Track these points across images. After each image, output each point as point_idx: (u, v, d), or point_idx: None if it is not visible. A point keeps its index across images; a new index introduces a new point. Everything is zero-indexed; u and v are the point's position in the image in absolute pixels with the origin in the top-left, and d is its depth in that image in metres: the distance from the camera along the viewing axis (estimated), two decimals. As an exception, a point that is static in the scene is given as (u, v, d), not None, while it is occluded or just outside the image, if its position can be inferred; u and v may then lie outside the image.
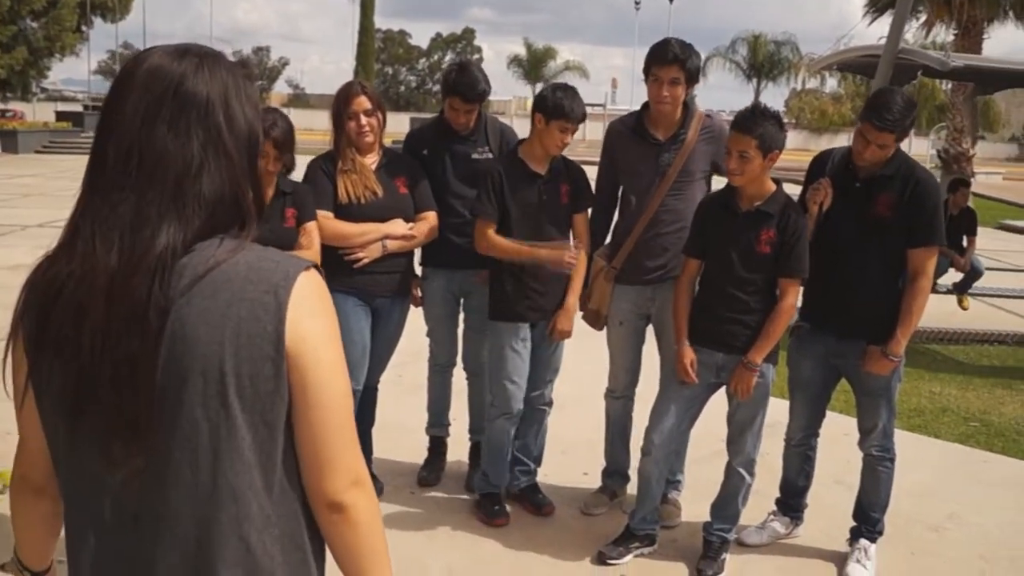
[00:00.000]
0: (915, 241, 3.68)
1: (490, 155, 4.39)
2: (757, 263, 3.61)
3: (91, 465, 1.33)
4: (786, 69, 37.93)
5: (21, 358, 1.37)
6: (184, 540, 1.33)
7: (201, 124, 1.34)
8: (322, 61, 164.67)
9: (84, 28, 39.67)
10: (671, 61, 3.87)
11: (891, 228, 3.68)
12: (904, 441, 5.62)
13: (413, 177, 4.28)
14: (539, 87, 47.66)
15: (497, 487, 4.34)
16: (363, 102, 4.09)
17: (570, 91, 4.00)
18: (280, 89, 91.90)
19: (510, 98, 68.87)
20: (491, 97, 4.43)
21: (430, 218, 4.27)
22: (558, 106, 3.90)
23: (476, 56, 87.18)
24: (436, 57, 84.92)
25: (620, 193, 4.27)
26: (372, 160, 4.21)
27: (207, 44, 1.43)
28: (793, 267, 3.61)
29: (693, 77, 3.94)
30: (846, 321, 3.80)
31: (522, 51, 47.97)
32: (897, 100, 3.60)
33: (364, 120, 4.09)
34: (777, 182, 3.69)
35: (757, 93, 40.40)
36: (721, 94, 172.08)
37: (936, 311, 9.10)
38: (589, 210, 4.23)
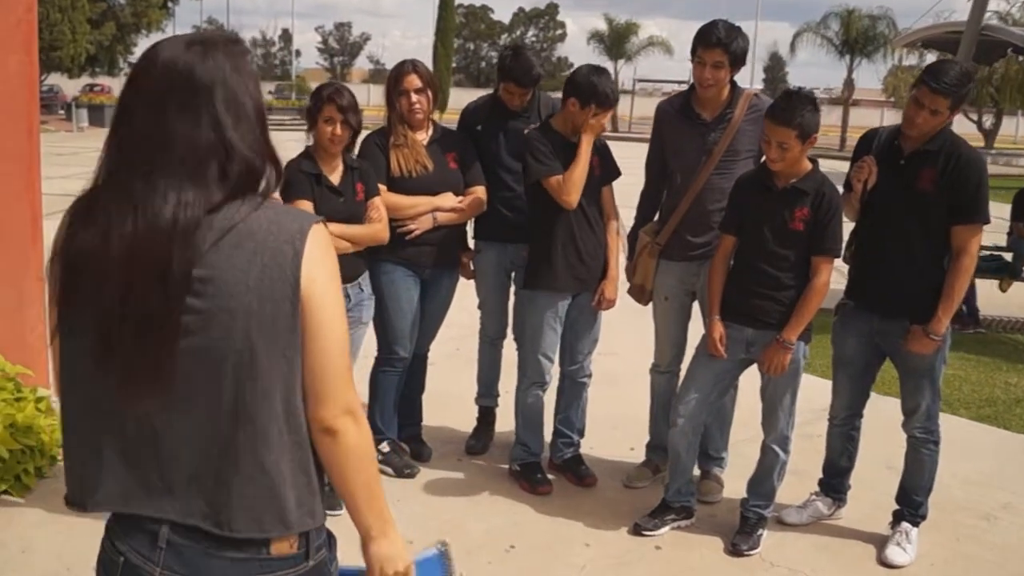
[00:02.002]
0: (958, 218, 3.74)
1: None
2: (790, 240, 3.72)
3: (111, 403, 1.56)
4: (882, 45, 36.94)
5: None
6: (203, 454, 1.56)
7: (207, 106, 1.56)
8: (404, 36, 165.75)
9: (170, 4, 40.91)
10: (714, 44, 3.99)
11: (934, 204, 3.73)
12: (968, 429, 5.68)
13: (463, 153, 4.51)
14: (621, 64, 47.60)
15: (537, 456, 4.54)
16: (414, 80, 4.35)
17: (604, 73, 4.16)
18: (361, 65, 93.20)
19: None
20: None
21: (479, 192, 4.48)
22: (595, 91, 4.05)
23: (559, 31, 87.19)
24: (519, 32, 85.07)
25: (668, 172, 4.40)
26: (423, 136, 4.44)
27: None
28: (827, 245, 3.71)
29: (738, 60, 4.05)
30: (890, 299, 3.87)
31: (603, 26, 47.49)
32: (954, 67, 3.69)
33: (415, 97, 4.34)
34: (813, 160, 3.79)
35: (850, 70, 39.49)
36: (814, 71, 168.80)
37: (1020, 300, 8.97)
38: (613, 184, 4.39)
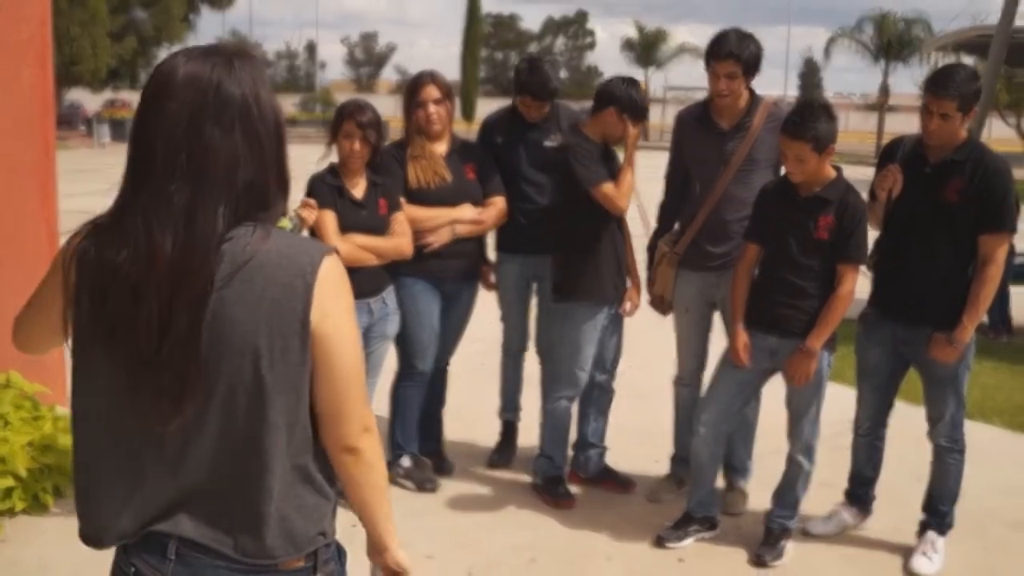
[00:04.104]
0: (985, 227, 3.80)
1: None
2: (814, 248, 3.79)
3: (142, 421, 1.61)
4: (917, 49, 36.80)
5: (54, 300, 1.66)
6: (216, 483, 1.64)
7: (240, 119, 1.60)
8: (432, 46, 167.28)
9: (192, 17, 41.44)
10: (725, 56, 4.08)
11: (960, 214, 3.80)
12: (1002, 439, 5.69)
13: (482, 164, 4.61)
14: (651, 71, 47.79)
15: (560, 469, 4.61)
16: (432, 91, 4.46)
17: (638, 85, 4.31)
18: (388, 76, 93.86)
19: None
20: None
21: (498, 203, 4.58)
22: (635, 105, 4.21)
23: (589, 39, 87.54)
24: (548, 41, 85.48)
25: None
26: (442, 147, 4.55)
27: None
28: (851, 253, 3.78)
29: (751, 68, 4.14)
30: (913, 308, 3.93)
31: (634, 33, 47.89)
32: (958, 70, 3.79)
33: (432, 108, 4.44)
34: (837, 168, 3.86)
35: (886, 75, 39.34)
36: (850, 76, 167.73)
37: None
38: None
